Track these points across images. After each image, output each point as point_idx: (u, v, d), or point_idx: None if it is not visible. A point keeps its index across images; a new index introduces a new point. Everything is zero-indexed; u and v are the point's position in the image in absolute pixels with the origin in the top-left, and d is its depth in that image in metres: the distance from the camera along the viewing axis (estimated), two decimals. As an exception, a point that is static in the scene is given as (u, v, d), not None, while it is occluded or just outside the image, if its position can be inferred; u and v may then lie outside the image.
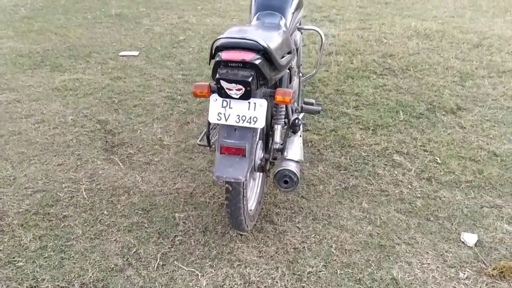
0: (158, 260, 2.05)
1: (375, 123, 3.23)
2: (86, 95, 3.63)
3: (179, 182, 2.59)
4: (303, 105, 2.73)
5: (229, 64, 1.69)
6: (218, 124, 1.91)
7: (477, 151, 2.90)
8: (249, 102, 1.80)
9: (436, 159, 2.83)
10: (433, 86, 3.82)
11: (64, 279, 1.92)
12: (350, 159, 2.84)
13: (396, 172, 2.71)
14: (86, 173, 2.64)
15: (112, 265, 2.01)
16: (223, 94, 1.75)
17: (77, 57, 4.50)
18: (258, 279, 1.96)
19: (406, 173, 2.70)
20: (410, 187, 2.58)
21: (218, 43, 1.76)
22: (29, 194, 2.43)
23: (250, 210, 2.16)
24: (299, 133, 2.38)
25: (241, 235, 2.21)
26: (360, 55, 4.48)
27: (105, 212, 2.33)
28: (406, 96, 3.66)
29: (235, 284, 1.94)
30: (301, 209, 2.40)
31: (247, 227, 2.10)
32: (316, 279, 1.97)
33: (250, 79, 1.68)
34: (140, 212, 2.35)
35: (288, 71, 2.17)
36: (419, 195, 2.51)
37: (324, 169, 2.73)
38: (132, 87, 3.79)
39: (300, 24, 3.03)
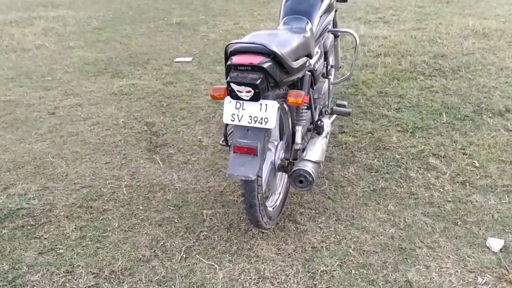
0: (182, 253, 2.17)
1: (415, 125, 3.16)
2: (139, 99, 3.87)
3: (212, 181, 2.70)
4: (334, 107, 2.74)
5: (239, 68, 1.77)
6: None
7: (521, 155, 2.75)
8: (260, 104, 1.87)
9: (474, 163, 2.72)
10: (484, 87, 3.65)
11: (96, 266, 2.09)
12: (383, 161, 2.80)
13: (429, 175, 2.64)
14: (129, 171, 2.83)
15: (140, 256, 2.15)
16: (234, 96, 1.83)
17: (136, 64, 4.79)
18: (272, 274, 2.02)
19: (440, 176, 2.63)
20: (441, 190, 2.51)
21: (230, 48, 1.85)
22: (76, 189, 2.66)
23: (271, 208, 2.22)
24: (323, 134, 2.41)
25: (262, 232, 2.27)
26: (409, 56, 4.37)
27: (141, 207, 2.49)
28: (453, 97, 3.53)
29: (250, 278, 2.01)
30: (326, 210, 2.42)
31: (266, 224, 2.15)
32: (329, 278, 1.99)
33: (258, 82, 1.74)
34: (172, 208, 2.49)
35: (309, 73, 2.20)
36: (449, 199, 2.43)
37: (354, 171, 2.73)
38: (181, 91, 3.98)
39: (334, 27, 3.05)
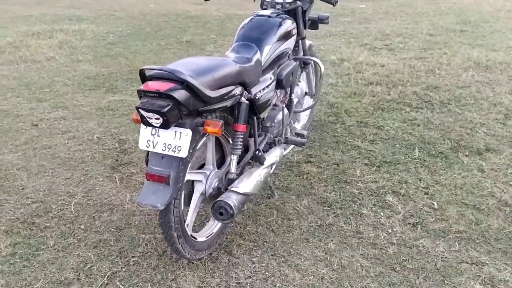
0: (105, 278, 2.09)
1: (384, 160, 3.00)
2: (122, 116, 3.87)
3: (160, 204, 2.63)
4: (288, 137, 2.63)
5: (147, 94, 1.71)
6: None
7: (486, 199, 2.55)
8: (175, 131, 1.80)
9: (433, 204, 2.54)
10: (469, 123, 3.44)
11: (15, 286, 2.05)
12: (339, 195, 2.66)
13: (382, 214, 2.48)
14: (85, 188, 2.80)
15: (63, 278, 2.09)
16: (145, 122, 1.76)
17: (133, 80, 4.81)
18: (184, 310, 1.92)
19: (393, 216, 2.46)
20: (389, 231, 2.34)
21: (148, 72, 1.79)
22: (27, 204, 2.64)
23: (204, 237, 2.13)
24: (266, 164, 2.30)
25: (192, 263, 2.18)
26: (401, 86, 4.20)
27: (82, 227, 2.45)
28: (434, 132, 3.34)
29: (160, 312, 1.91)
30: (265, 243, 2.30)
31: (190, 255, 2.06)
32: (242, 318, 1.87)
33: (165, 109, 1.67)
34: (113, 229, 2.43)
35: (246, 102, 2.10)
36: (394, 241, 2.27)
37: (307, 204, 2.60)
38: (165, 110, 3.95)
39: (304, 54, 2.95)
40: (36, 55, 5.82)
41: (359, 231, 2.36)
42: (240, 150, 2.15)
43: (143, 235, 2.37)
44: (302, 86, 3.20)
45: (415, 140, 3.23)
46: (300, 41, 2.95)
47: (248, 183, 2.10)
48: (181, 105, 1.71)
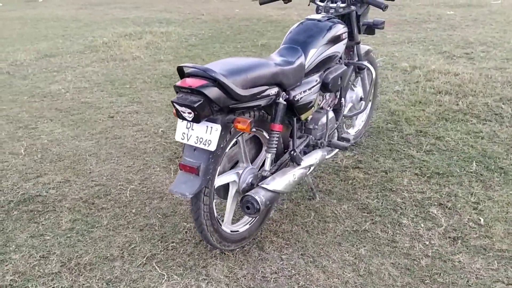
0: (144, 259, 2.26)
1: (436, 171, 2.88)
2: (188, 113, 4.08)
3: (206, 197, 2.76)
4: (331, 140, 2.63)
5: (181, 90, 1.83)
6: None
7: (541, 219, 2.36)
8: (207, 126, 1.90)
9: (480, 219, 2.40)
10: (541, 139, 3.18)
11: (68, 256, 2.28)
12: (382, 203, 2.61)
13: (422, 225, 2.40)
14: (142, 176, 3.02)
15: (108, 254, 2.29)
16: (180, 116, 1.89)
17: (205, 80, 5.04)
18: (207, 295, 2.02)
19: (433, 228, 2.37)
20: (427, 243, 2.26)
21: (183, 69, 1.91)
22: (91, 186, 2.91)
23: (231, 231, 2.21)
24: (303, 165, 2.33)
25: (224, 253, 2.27)
26: (472, 97, 3.97)
27: (133, 211, 2.65)
28: (498, 146, 3.14)
29: (186, 294, 2.03)
30: (297, 242, 2.33)
31: (220, 244, 2.15)
32: (259, 310, 1.92)
33: (196, 105, 1.78)
34: (159, 216, 2.60)
35: (284, 103, 2.16)
36: (430, 254, 2.19)
37: (347, 208, 2.58)
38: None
39: (358, 59, 2.93)
40: (124, 54, 6.29)
41: (394, 240, 2.30)
42: (275, 149, 2.21)
43: (185, 223, 2.51)
44: (357, 91, 3.17)
45: (475, 153, 3.06)
46: (355, 46, 2.93)
47: (280, 181, 2.15)
48: (212, 102, 1.81)
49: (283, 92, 2.19)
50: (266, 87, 2.02)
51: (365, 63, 2.90)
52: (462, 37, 6.33)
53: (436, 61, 5.09)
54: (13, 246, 2.35)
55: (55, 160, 3.26)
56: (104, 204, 2.71)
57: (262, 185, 2.09)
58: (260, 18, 8.77)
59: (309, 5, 2.84)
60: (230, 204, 2.22)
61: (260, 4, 2.81)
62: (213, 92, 1.80)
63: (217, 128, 1.89)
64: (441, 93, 4.11)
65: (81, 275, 2.15)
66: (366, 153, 3.17)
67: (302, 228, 2.44)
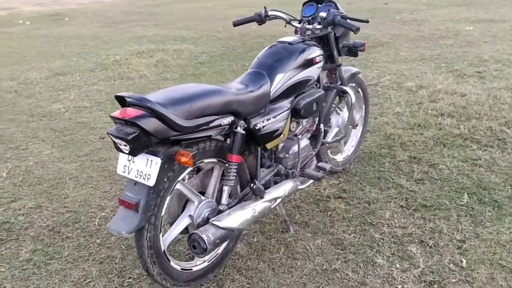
0: (95, 295, 2.12)
1: (423, 203, 2.64)
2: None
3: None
4: (304, 170, 2.44)
5: (117, 121, 1.70)
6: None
7: (532, 263, 2.09)
8: (147, 159, 1.76)
9: (462, 261, 2.15)
10: (545, 168, 2.89)
11: (19, 290, 2.16)
12: (358, 238, 2.39)
13: (398, 265, 2.17)
14: (116, 203, 2.89)
15: (60, 290, 2.16)
16: (117, 148, 1.75)
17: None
18: None
19: (409, 270, 2.13)
20: (398, 287, 2.03)
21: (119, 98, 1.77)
22: (61, 213, 2.80)
23: (180, 268, 2.04)
24: (265, 199, 2.15)
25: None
26: (476, 120, 3.69)
27: (98, 241, 2.52)
28: (495, 176, 2.87)
29: None
30: (259, 282, 2.15)
31: (169, 284, 1.98)
32: None
33: (130, 137, 1.64)
34: (123, 247, 2.46)
35: (242, 132, 1.99)
36: (400, 301, 1.96)
37: (320, 244, 2.37)
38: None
39: (341, 83, 2.75)
40: (132, 72, 6.27)
41: (364, 283, 2.08)
42: (233, 182, 2.05)
43: (147, 257, 2.35)
44: (344, 115, 2.97)
45: (469, 184, 2.80)
46: (336, 68, 2.74)
47: (235, 217, 1.98)
48: (149, 133, 1.67)
49: (242, 121, 2.03)
50: (216, 116, 1.86)
51: (344, 87, 2.71)
52: (477, 54, 6.01)
53: (444, 81, 4.82)
54: (-34, 277, 2.25)
55: (34, 184, 3.18)
56: (69, 233, 2.59)
57: (213, 222, 1.92)
58: (274, 35, 8.64)
59: (285, 26, 2.67)
60: (176, 226, 2.03)
61: (234, 26, 2.67)
62: (149, 123, 1.66)
63: (156, 161, 1.74)
64: (443, 116, 3.85)
65: (26, 313, 2.02)
66: (352, 181, 2.95)
67: (268, 265, 2.25)
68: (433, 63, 5.78)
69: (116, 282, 2.20)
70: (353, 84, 3.02)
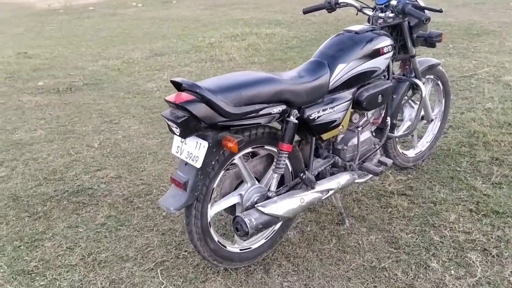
0: (153, 264, 2.28)
1: (496, 209, 2.43)
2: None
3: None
4: (363, 164, 2.37)
5: (170, 104, 1.80)
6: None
7: None
8: (196, 142, 1.84)
9: (527, 276, 1.96)
10: None
11: (90, 250, 2.39)
12: (416, 239, 2.29)
13: (452, 272, 2.04)
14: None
15: (124, 255, 2.36)
16: (170, 129, 1.85)
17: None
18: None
19: (464, 277, 2.00)
20: (448, 295, 1.92)
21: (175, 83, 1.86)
22: (137, 184, 3.03)
23: (227, 248, 2.12)
24: (316, 189, 2.13)
25: (227, 271, 2.19)
26: None
27: (164, 214, 2.69)
28: None
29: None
30: (304, 271, 2.16)
31: (211, 259, 2.06)
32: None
33: (179, 120, 1.74)
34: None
35: (295, 121, 2.00)
36: (446, 309, 1.85)
37: (373, 240, 2.31)
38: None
39: (416, 75, 2.62)
40: (223, 55, 6.47)
41: (412, 285, 2.00)
42: (282, 169, 2.06)
43: (204, 233, 2.48)
44: (417, 109, 2.80)
45: (556, 192, 2.51)
46: (410, 59, 2.59)
47: (281, 205, 2.00)
48: (197, 118, 1.74)
49: (295, 111, 2.02)
50: (265, 105, 1.88)
51: (416, 80, 2.55)
52: None
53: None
54: (50, 234, 2.55)
55: (119, 156, 3.47)
56: (140, 204, 2.81)
57: (258, 207, 1.96)
58: (370, 20, 8.32)
59: (357, 14, 2.58)
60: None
61: (304, 13, 2.64)
62: (198, 108, 1.73)
63: (204, 145, 1.82)
64: (541, 114, 3.47)
65: (93, 271, 2.25)
66: (421, 179, 2.81)
67: (317, 255, 2.25)
68: (545, 55, 5.18)
69: (173, 253, 2.34)
70: (431, 76, 2.84)
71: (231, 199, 2.07)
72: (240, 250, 2.16)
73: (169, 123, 1.80)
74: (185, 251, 2.36)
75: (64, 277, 2.22)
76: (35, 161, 3.40)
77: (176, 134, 1.83)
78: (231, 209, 2.16)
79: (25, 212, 2.74)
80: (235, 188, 2.13)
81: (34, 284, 2.16)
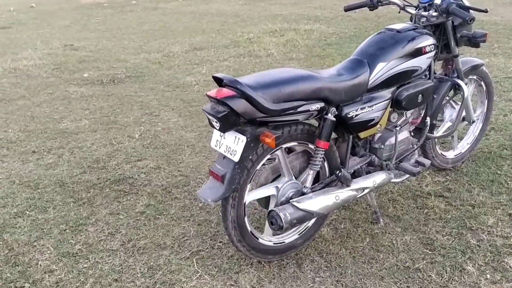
0: (189, 253, 2.35)
1: (538, 214, 2.37)
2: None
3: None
4: (400, 163, 2.35)
5: (210, 99, 1.85)
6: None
7: None
8: (235, 136, 1.89)
9: None
10: None
11: (129, 237, 2.48)
12: (452, 241, 2.26)
13: (488, 276, 2.01)
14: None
15: (162, 243, 2.44)
16: (210, 123, 1.90)
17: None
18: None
19: (500, 282, 1.97)
20: (484, 299, 1.89)
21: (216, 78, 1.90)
22: (175, 176, 3.11)
23: (259, 240, 2.15)
24: (351, 187, 2.14)
25: (261, 263, 2.24)
26: None
27: (200, 205, 2.76)
28: None
29: (207, 296, 2.06)
30: (337, 267, 2.17)
31: (246, 250, 2.10)
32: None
33: (220, 115, 1.78)
34: (221, 214, 2.66)
35: (332, 119, 2.01)
36: (481, 313, 1.82)
37: (408, 241, 2.30)
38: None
39: (458, 76, 2.57)
40: (261, 51, 6.50)
41: (446, 287, 1.98)
42: (318, 166, 2.09)
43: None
44: (458, 109, 2.75)
45: None
46: (453, 59, 2.55)
47: (315, 201, 2.03)
48: (237, 114, 1.79)
49: (333, 108, 2.04)
50: (304, 102, 1.90)
51: (458, 80, 2.51)
52: None
53: None
54: (93, 219, 2.66)
55: (158, 147, 3.57)
56: (178, 194, 2.88)
57: (293, 202, 1.99)
58: (412, 18, 8.15)
59: (399, 12, 2.55)
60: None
61: (345, 11, 2.63)
62: (238, 104, 1.78)
63: (243, 139, 1.86)
64: None
65: (132, 257, 2.34)
66: (460, 181, 2.76)
67: (350, 252, 2.26)
68: None
69: (208, 244, 2.41)
70: (474, 77, 2.78)
71: (267, 190, 2.11)
72: (274, 243, 2.20)
73: (210, 117, 1.85)
74: (220, 242, 2.42)
75: (105, 260, 2.31)
76: (80, 150, 3.54)
77: (215, 128, 1.87)
78: (265, 203, 2.20)
79: (71, 197, 2.87)
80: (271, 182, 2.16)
81: (78, 266, 2.27)
